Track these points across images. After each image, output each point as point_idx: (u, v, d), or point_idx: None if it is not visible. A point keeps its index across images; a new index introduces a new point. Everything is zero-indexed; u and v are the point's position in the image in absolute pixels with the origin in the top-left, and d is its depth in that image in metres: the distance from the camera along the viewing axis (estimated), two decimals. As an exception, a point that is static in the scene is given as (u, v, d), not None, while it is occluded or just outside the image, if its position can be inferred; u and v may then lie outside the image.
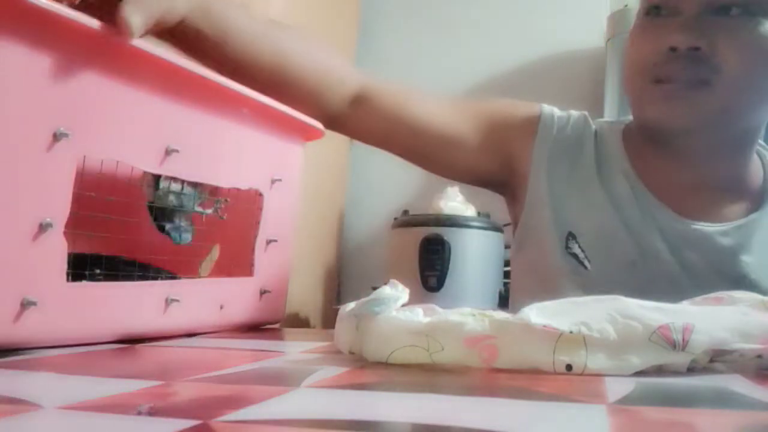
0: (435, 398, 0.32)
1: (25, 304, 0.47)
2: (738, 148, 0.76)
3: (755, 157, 0.79)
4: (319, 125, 0.77)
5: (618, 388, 0.33)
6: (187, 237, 0.67)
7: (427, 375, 0.38)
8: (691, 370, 0.38)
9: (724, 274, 0.72)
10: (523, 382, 0.35)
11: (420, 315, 0.43)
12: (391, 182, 1.84)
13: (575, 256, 0.76)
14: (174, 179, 0.64)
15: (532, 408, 0.30)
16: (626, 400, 0.30)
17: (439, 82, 1.92)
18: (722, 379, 0.36)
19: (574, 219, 0.78)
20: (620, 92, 1.61)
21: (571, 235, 0.77)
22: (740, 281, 0.70)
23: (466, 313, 0.42)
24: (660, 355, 0.37)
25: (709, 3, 0.68)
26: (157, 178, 0.64)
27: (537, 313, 0.40)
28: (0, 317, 0.46)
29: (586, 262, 0.76)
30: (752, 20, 0.68)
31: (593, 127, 0.85)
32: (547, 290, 0.59)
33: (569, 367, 0.38)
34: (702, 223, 0.74)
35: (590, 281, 0.74)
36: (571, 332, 0.38)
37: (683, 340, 0.37)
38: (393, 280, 0.46)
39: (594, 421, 0.27)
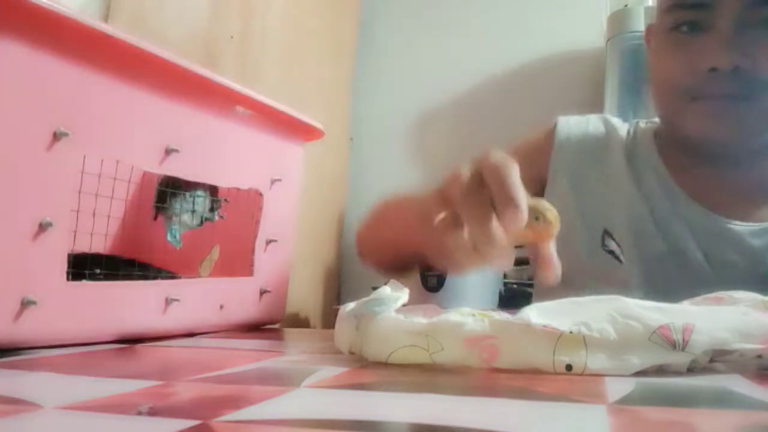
0: (435, 398, 0.32)
1: (25, 304, 0.47)
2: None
3: None
4: (319, 125, 0.77)
5: (618, 388, 0.33)
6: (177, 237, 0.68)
7: (427, 375, 0.38)
8: (691, 370, 0.38)
9: (753, 274, 0.71)
10: (523, 382, 0.35)
11: (420, 315, 0.43)
12: (391, 182, 1.84)
13: (611, 252, 0.76)
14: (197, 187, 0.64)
15: (532, 408, 0.30)
16: (626, 400, 0.30)
17: (439, 82, 1.92)
18: (722, 379, 0.36)
19: (608, 216, 0.77)
20: (620, 92, 1.61)
21: (606, 233, 0.77)
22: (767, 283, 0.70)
23: (466, 313, 0.42)
24: (660, 355, 0.37)
25: (745, 19, 0.66)
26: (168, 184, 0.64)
27: (537, 314, 0.40)
28: (0, 317, 0.46)
29: (621, 257, 0.76)
30: None
31: (621, 125, 0.84)
32: (577, 291, 0.57)
33: (569, 367, 0.38)
34: (734, 222, 0.74)
35: (623, 276, 0.74)
36: (571, 332, 0.38)
37: (683, 340, 0.37)
38: (393, 280, 0.46)
39: (594, 421, 0.27)
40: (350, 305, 0.44)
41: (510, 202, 0.39)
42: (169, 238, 0.68)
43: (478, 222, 0.40)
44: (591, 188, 0.80)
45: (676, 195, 0.76)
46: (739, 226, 0.73)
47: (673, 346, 0.37)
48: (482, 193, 0.41)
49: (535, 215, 0.44)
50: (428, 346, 0.40)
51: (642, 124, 0.85)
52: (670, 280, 0.72)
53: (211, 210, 0.71)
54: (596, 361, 0.37)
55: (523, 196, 0.40)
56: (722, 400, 0.32)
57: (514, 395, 0.32)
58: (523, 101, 1.78)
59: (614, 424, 0.26)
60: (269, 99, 0.69)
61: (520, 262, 0.47)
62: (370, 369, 0.40)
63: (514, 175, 0.41)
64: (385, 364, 0.41)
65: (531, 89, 1.83)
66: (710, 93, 0.68)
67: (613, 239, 0.76)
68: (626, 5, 1.67)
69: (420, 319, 0.42)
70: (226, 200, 0.72)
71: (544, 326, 0.38)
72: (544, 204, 0.44)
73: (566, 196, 0.80)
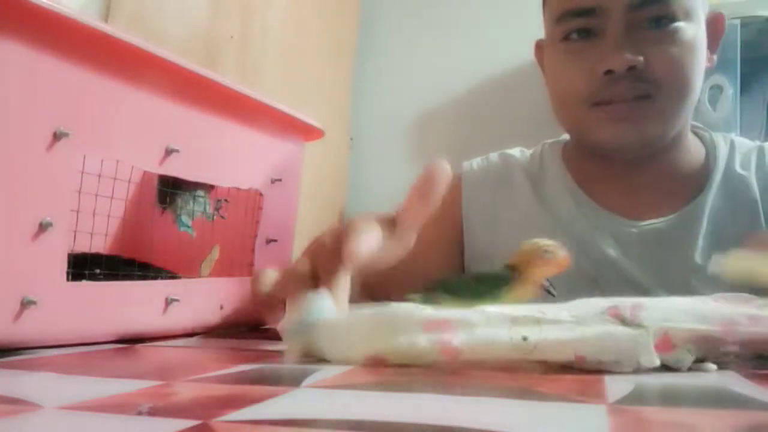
0: (435, 398, 0.32)
1: (25, 304, 0.47)
2: (675, 144, 0.77)
3: (694, 140, 0.80)
4: (319, 125, 0.77)
5: (618, 388, 0.33)
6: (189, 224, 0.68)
7: (427, 375, 0.38)
8: (677, 370, 0.38)
9: (683, 264, 0.73)
10: (523, 382, 0.35)
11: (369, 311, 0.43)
12: (391, 182, 1.84)
13: (543, 287, 0.76)
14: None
15: (532, 408, 0.30)
16: (626, 400, 0.30)
17: (439, 82, 1.92)
18: (722, 379, 0.36)
19: None
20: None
21: None
22: (699, 270, 0.71)
23: (423, 307, 0.43)
24: (611, 326, 0.38)
25: (633, 20, 0.68)
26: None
27: (493, 308, 0.41)
28: (0, 317, 0.46)
29: (552, 290, 0.76)
30: (676, 26, 0.68)
31: (522, 154, 0.86)
32: None
33: (525, 338, 0.38)
34: (652, 220, 0.75)
35: None
36: (525, 316, 0.40)
37: (632, 315, 0.39)
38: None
39: (594, 421, 0.27)
40: (288, 317, 0.44)
41: (351, 234, 0.45)
42: (181, 228, 0.68)
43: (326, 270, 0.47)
44: (504, 229, 0.81)
45: (593, 211, 0.78)
46: (658, 223, 0.75)
47: (623, 321, 0.38)
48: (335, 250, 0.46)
49: (543, 251, 0.48)
50: (386, 337, 0.41)
51: (548, 144, 0.87)
52: (609, 293, 0.72)
53: (214, 209, 0.71)
54: (551, 332, 0.38)
55: (364, 230, 0.46)
56: (722, 400, 0.32)
57: (514, 395, 0.32)
58: (523, 101, 1.78)
59: (614, 424, 0.26)
60: (269, 99, 0.69)
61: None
62: (370, 369, 0.40)
63: (365, 225, 0.47)
64: (385, 365, 0.41)
65: (531, 89, 1.83)
66: (609, 96, 0.69)
67: None
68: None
69: (376, 312, 0.42)
70: (226, 200, 0.72)
71: (500, 313, 0.40)
72: (537, 242, 0.49)
73: (485, 243, 0.82)
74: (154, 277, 0.61)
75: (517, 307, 0.42)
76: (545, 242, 0.49)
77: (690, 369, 0.39)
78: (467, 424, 0.26)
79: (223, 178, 0.66)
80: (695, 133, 0.81)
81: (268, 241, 0.72)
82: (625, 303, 0.39)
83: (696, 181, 0.77)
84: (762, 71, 1.49)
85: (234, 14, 1.21)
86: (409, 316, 0.41)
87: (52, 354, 0.47)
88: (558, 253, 0.48)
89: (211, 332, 0.66)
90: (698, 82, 0.72)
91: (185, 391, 0.33)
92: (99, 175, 0.55)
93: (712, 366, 0.39)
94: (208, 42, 1.12)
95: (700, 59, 0.71)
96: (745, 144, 0.81)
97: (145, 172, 0.62)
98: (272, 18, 1.35)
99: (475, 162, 0.88)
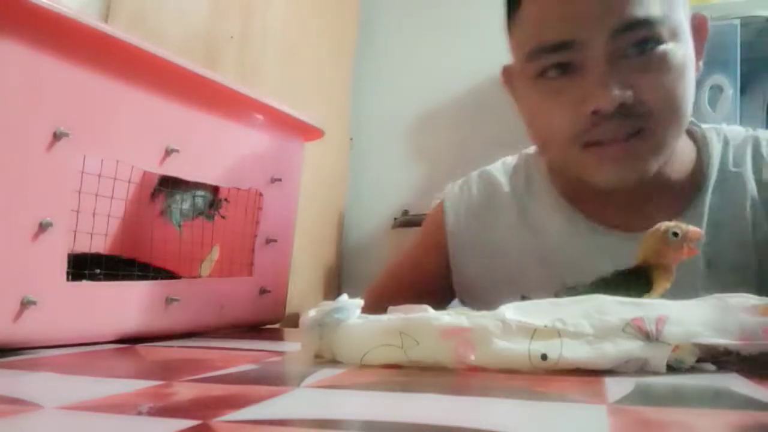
0: (435, 398, 0.32)
1: (25, 304, 0.47)
2: (671, 158, 0.70)
3: (686, 140, 0.74)
4: (319, 125, 0.77)
5: (618, 388, 0.33)
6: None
7: (427, 375, 0.38)
8: (677, 369, 0.38)
9: (687, 271, 0.68)
10: (523, 382, 0.35)
11: (400, 315, 0.43)
12: (391, 182, 1.84)
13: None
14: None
15: (532, 408, 0.30)
16: (626, 400, 0.30)
17: (439, 82, 1.92)
18: (722, 379, 0.36)
19: (521, 280, 0.73)
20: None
21: (525, 299, 0.74)
22: (703, 275, 0.68)
23: (441, 312, 0.42)
24: (634, 344, 0.37)
25: (616, 48, 0.60)
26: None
27: (513, 311, 0.40)
28: (0, 317, 0.46)
29: None
30: (664, 49, 0.61)
31: (503, 173, 0.81)
32: None
33: (544, 357, 0.38)
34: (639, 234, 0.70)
35: None
36: (545, 326, 0.38)
37: (656, 330, 0.38)
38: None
39: (594, 421, 0.27)
40: (311, 312, 0.44)
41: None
42: (173, 221, 0.68)
43: None
44: (493, 255, 0.77)
45: (584, 226, 0.73)
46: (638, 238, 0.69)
47: (647, 336, 0.38)
48: None
49: (671, 234, 0.47)
50: (402, 344, 0.40)
51: (531, 155, 0.81)
52: None
53: (211, 207, 0.71)
54: (571, 351, 0.38)
55: None
56: (722, 400, 0.32)
57: (514, 395, 0.32)
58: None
59: (614, 424, 0.26)
60: (269, 99, 0.69)
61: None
62: (369, 369, 0.40)
63: None
64: (385, 365, 0.41)
65: (531, 89, 1.82)
66: (600, 138, 0.63)
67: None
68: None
69: (392, 318, 0.42)
70: (226, 200, 0.72)
71: (519, 321, 0.39)
72: (659, 227, 0.47)
73: (474, 269, 0.78)
74: (154, 277, 0.61)
75: (539, 313, 0.40)
76: (667, 224, 0.47)
77: (690, 369, 0.39)
78: (467, 424, 0.26)
79: (223, 178, 0.66)
80: (686, 131, 0.74)
81: (268, 241, 0.72)
82: (650, 314, 0.38)
83: (691, 185, 0.72)
84: (762, 71, 1.49)
85: (234, 14, 1.21)
86: (427, 323, 0.40)
87: (52, 354, 0.47)
88: (686, 229, 0.46)
89: (211, 332, 0.66)
90: (691, 103, 0.65)
91: (185, 391, 0.33)
92: (99, 175, 0.55)
93: (712, 366, 0.39)
94: (208, 42, 1.12)
95: (691, 78, 0.65)
96: (737, 135, 0.75)
97: (145, 172, 0.62)
98: (272, 18, 1.35)
99: (457, 185, 0.84)
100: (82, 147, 0.51)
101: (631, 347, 0.37)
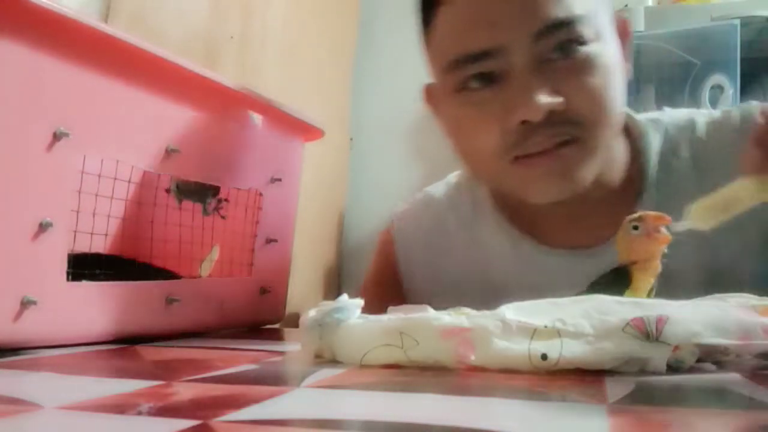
0: (435, 398, 0.32)
1: (25, 304, 0.47)
2: (607, 164, 0.65)
3: (622, 140, 0.69)
4: (319, 125, 0.77)
5: (618, 388, 0.33)
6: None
7: (427, 375, 0.38)
8: (677, 369, 0.38)
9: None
10: (523, 382, 0.35)
11: (400, 314, 0.43)
12: (391, 182, 1.84)
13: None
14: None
15: (532, 408, 0.30)
16: (626, 400, 0.30)
17: (439, 82, 1.91)
18: (722, 379, 0.36)
19: (473, 306, 0.71)
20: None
21: None
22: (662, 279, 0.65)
23: (442, 312, 0.42)
24: (635, 344, 0.37)
25: (540, 52, 0.56)
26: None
27: (513, 311, 0.40)
28: (0, 317, 0.46)
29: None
30: (589, 50, 0.57)
31: (444, 193, 0.79)
32: None
33: (544, 357, 0.38)
34: (601, 246, 0.66)
35: None
36: (545, 327, 0.38)
37: (657, 330, 0.37)
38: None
39: (594, 421, 0.27)
40: (311, 312, 0.44)
41: None
42: (176, 198, 0.68)
43: None
44: (445, 280, 0.75)
45: (530, 249, 0.70)
46: (606, 249, 0.63)
47: (647, 336, 0.37)
48: None
49: (631, 228, 0.45)
50: (402, 344, 0.40)
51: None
52: None
53: (212, 201, 0.71)
54: (571, 351, 0.37)
55: None
56: (722, 400, 0.32)
57: (514, 395, 0.32)
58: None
59: (614, 424, 0.26)
60: (270, 99, 0.69)
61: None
62: (369, 369, 0.40)
63: None
64: (385, 365, 0.41)
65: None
66: (530, 150, 0.58)
67: None
68: (626, 5, 1.67)
69: (393, 318, 0.42)
70: (226, 200, 0.72)
71: (519, 321, 0.39)
72: (624, 224, 0.45)
73: (428, 295, 0.76)
74: (154, 277, 0.61)
75: (539, 313, 0.40)
76: (630, 217, 0.45)
77: (690, 369, 0.39)
78: (467, 424, 0.26)
79: (222, 178, 0.66)
80: (623, 128, 0.68)
81: (268, 241, 0.72)
82: (650, 314, 0.38)
83: (632, 188, 0.68)
84: (762, 71, 1.49)
85: (234, 14, 1.21)
86: (427, 323, 0.40)
87: (52, 354, 0.47)
88: (645, 217, 0.45)
89: (211, 332, 0.66)
90: (622, 101, 0.62)
91: (185, 391, 0.33)
92: (99, 175, 0.55)
93: (712, 366, 0.39)
94: (208, 42, 1.12)
95: (620, 79, 0.61)
96: (677, 122, 0.70)
97: (145, 172, 0.62)
98: (272, 18, 1.35)
99: (404, 211, 0.81)
100: (82, 147, 0.51)
101: (632, 347, 0.37)
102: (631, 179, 0.68)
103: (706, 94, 1.39)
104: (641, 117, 0.71)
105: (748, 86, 1.44)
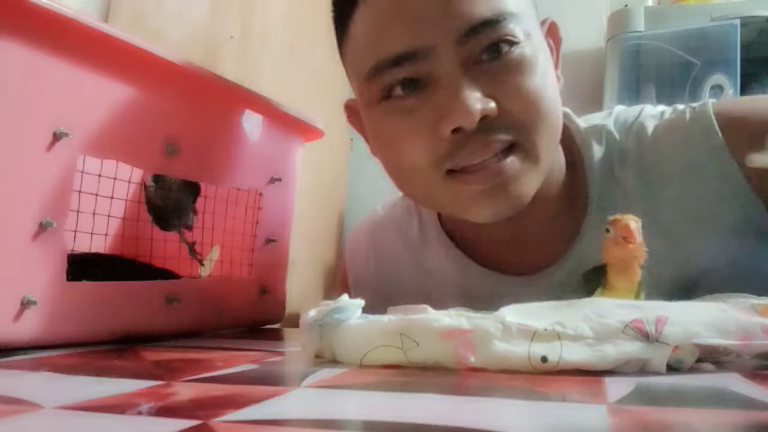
0: (435, 398, 0.32)
1: (25, 304, 0.47)
2: (547, 178, 0.60)
3: (560, 154, 0.64)
4: (319, 125, 0.77)
5: (618, 388, 0.33)
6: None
7: (427, 375, 0.38)
8: (677, 369, 0.38)
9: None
10: (523, 382, 0.35)
11: (401, 315, 0.43)
12: (390, 182, 1.84)
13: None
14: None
15: (532, 408, 0.30)
16: (626, 400, 0.30)
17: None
18: (722, 379, 0.36)
19: None
20: (619, 92, 1.61)
21: None
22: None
23: (442, 313, 0.42)
24: (634, 345, 0.37)
25: (468, 53, 0.52)
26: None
27: (513, 314, 0.40)
28: (0, 317, 0.46)
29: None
30: (519, 51, 0.53)
31: (393, 221, 0.76)
32: None
33: (544, 359, 0.38)
34: (546, 269, 0.63)
35: None
36: (545, 330, 0.38)
37: (656, 331, 0.37)
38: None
39: (594, 421, 0.26)
40: (311, 312, 0.44)
41: None
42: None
43: None
44: (394, 306, 0.72)
45: (478, 275, 0.66)
46: (552, 272, 0.63)
47: (647, 337, 0.37)
48: None
49: (605, 230, 0.44)
50: (402, 344, 0.40)
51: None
52: None
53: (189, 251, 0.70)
54: (571, 353, 0.38)
55: None
56: (722, 400, 0.32)
57: (514, 395, 0.32)
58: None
59: (614, 424, 0.26)
60: (270, 99, 0.69)
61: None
62: (369, 369, 0.40)
63: None
64: (385, 365, 0.41)
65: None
66: (466, 162, 0.53)
67: None
68: (626, 5, 1.67)
69: (393, 318, 0.42)
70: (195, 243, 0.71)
71: (519, 324, 0.39)
72: (610, 218, 0.44)
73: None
74: (154, 277, 0.61)
75: (539, 316, 0.40)
76: (610, 217, 0.44)
77: (690, 369, 0.39)
78: (467, 424, 0.26)
79: (223, 178, 0.66)
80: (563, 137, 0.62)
81: (268, 241, 0.72)
82: (649, 315, 0.38)
83: (576, 202, 0.63)
84: (762, 71, 1.49)
85: (234, 14, 1.21)
86: (427, 325, 0.40)
87: (52, 354, 0.47)
88: (614, 222, 0.44)
89: (211, 332, 0.66)
90: (559, 105, 0.57)
91: (185, 391, 0.33)
92: (99, 175, 0.55)
93: (712, 366, 0.39)
94: (208, 42, 1.12)
95: (553, 80, 0.57)
96: (625, 125, 0.65)
97: (144, 173, 0.62)
98: (272, 18, 1.35)
99: (354, 236, 0.81)
100: (82, 147, 0.51)
101: (631, 348, 0.37)
102: (574, 194, 0.63)
103: (706, 94, 1.39)
104: (583, 124, 0.66)
105: (748, 86, 1.44)
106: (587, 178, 0.63)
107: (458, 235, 0.69)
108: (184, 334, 0.61)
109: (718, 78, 1.38)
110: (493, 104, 0.52)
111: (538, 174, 0.56)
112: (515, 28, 0.53)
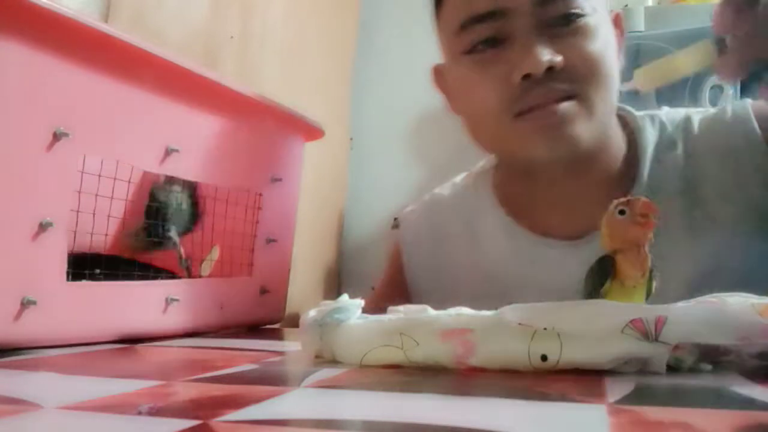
0: (435, 398, 0.32)
1: (25, 304, 0.47)
2: (604, 142, 0.69)
3: (617, 129, 0.72)
4: (319, 125, 0.77)
5: (618, 388, 0.33)
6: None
7: (427, 375, 0.38)
8: (677, 369, 0.38)
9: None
10: (523, 382, 0.35)
11: (400, 315, 0.43)
12: (391, 182, 1.84)
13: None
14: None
15: (532, 408, 0.30)
16: (626, 400, 0.30)
17: (439, 82, 1.91)
18: (722, 379, 0.36)
19: (471, 300, 0.72)
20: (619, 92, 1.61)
21: None
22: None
23: (442, 313, 0.42)
24: (634, 344, 0.37)
25: (541, 19, 0.62)
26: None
27: (513, 313, 0.40)
28: (0, 317, 0.46)
29: None
30: (587, 21, 0.63)
31: (447, 193, 0.82)
32: None
33: (544, 358, 0.38)
34: (591, 236, 0.68)
35: None
36: (545, 329, 0.38)
37: (656, 330, 0.37)
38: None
39: (594, 421, 0.27)
40: (311, 312, 0.44)
41: None
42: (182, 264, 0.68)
43: None
44: (448, 284, 0.77)
45: (524, 240, 0.72)
46: (586, 242, 0.68)
47: (646, 336, 0.37)
48: None
49: (617, 212, 0.43)
50: (402, 344, 0.40)
51: (478, 173, 0.81)
52: None
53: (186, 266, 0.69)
54: (571, 352, 0.38)
55: None
56: (722, 400, 0.32)
57: (514, 395, 0.32)
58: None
59: (614, 424, 0.26)
60: (270, 99, 0.69)
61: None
62: (369, 369, 0.40)
63: None
64: (385, 365, 0.41)
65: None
66: (532, 103, 0.62)
67: None
68: (626, 5, 1.67)
69: (393, 318, 0.42)
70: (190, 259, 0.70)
71: (519, 323, 0.39)
72: (609, 208, 0.44)
73: (432, 299, 0.74)
74: (154, 277, 0.61)
75: (539, 315, 0.40)
76: (616, 201, 0.44)
77: (690, 369, 0.39)
78: (467, 424, 0.26)
79: (223, 178, 0.66)
80: (619, 117, 0.73)
81: (268, 241, 0.72)
82: (649, 315, 0.38)
83: (626, 177, 0.70)
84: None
85: (234, 14, 1.21)
86: (427, 324, 0.40)
87: (52, 354, 0.47)
88: (634, 201, 0.43)
89: (211, 332, 0.66)
90: (617, 76, 0.66)
91: (185, 391, 0.33)
92: (99, 175, 0.55)
93: (711, 366, 0.39)
94: (208, 42, 1.12)
95: (614, 55, 0.66)
96: (674, 119, 0.73)
97: (144, 173, 0.62)
98: (272, 18, 1.35)
99: (410, 211, 0.84)
100: (82, 147, 0.51)
101: (631, 348, 0.37)
102: (626, 170, 0.71)
103: (706, 94, 1.39)
104: (639, 112, 0.74)
105: (747, 86, 1.43)
106: (641, 157, 0.70)
107: (512, 201, 0.75)
108: (184, 334, 0.61)
109: (718, 78, 1.38)
110: (559, 57, 0.61)
111: (591, 125, 0.63)
112: (584, 3, 0.63)
